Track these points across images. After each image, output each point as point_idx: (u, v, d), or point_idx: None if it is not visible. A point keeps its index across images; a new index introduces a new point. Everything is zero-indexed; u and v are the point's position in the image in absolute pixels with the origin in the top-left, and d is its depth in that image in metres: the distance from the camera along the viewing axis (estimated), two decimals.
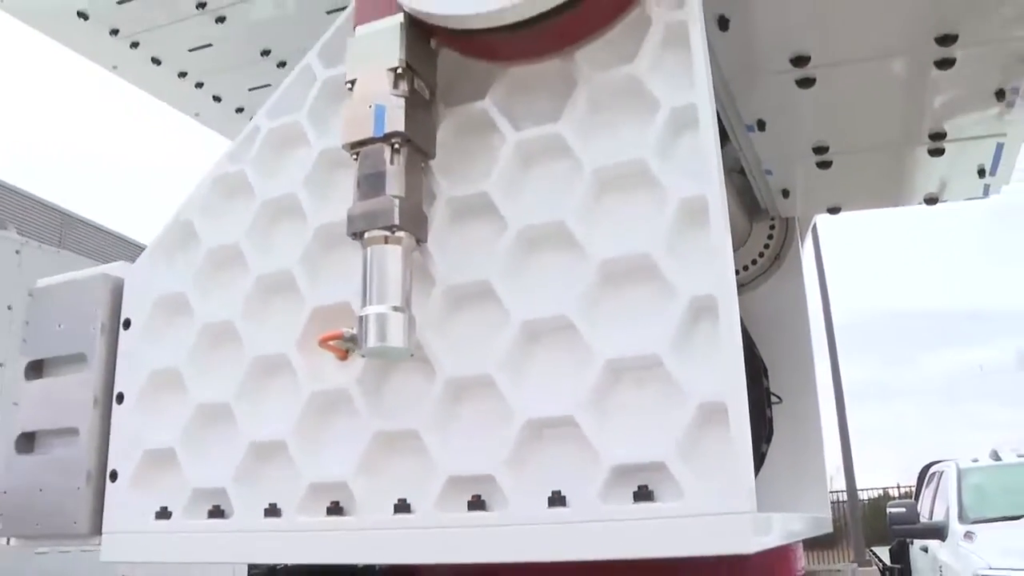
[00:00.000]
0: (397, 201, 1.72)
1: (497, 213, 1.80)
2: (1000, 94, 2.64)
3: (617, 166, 1.72)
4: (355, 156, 1.81)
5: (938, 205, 3.53)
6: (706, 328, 1.57)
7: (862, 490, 27.90)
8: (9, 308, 3.68)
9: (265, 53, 3.77)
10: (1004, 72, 2.52)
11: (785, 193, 3.41)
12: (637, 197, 1.68)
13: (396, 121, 1.76)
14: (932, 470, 9.28)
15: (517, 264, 1.76)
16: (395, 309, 1.68)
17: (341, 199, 1.96)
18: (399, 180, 1.75)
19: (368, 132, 1.77)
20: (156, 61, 3.83)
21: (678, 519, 1.50)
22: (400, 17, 1.84)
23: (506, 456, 1.66)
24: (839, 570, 2.98)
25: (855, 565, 3.55)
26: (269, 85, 4.01)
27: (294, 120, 2.14)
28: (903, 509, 7.84)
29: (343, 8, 3.35)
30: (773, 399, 3.38)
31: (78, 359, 2.25)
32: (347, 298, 1.90)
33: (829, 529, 3.22)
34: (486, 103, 1.88)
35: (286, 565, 2.41)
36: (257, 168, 2.15)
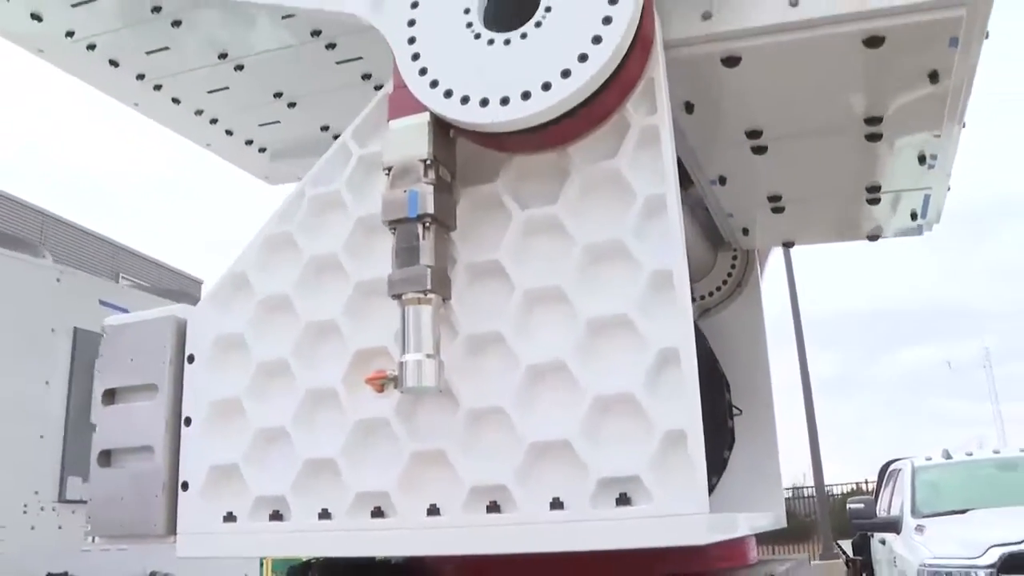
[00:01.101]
0: (428, 270, 2.18)
1: (507, 277, 2.26)
2: (922, 159, 3.14)
3: (602, 242, 2.18)
4: (393, 230, 2.26)
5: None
6: (670, 373, 2.04)
7: (835, 485, 28.72)
8: (52, 331, 4.08)
9: (278, 95, 4.20)
10: (923, 143, 3.02)
11: (745, 231, 3.89)
12: (618, 268, 2.15)
13: (427, 204, 2.21)
14: (891, 468, 9.89)
15: (523, 318, 2.23)
16: (428, 356, 2.14)
17: (376, 259, 2.41)
18: (430, 252, 2.20)
19: (404, 213, 2.22)
20: (176, 101, 4.24)
21: (650, 519, 1.98)
22: (427, 116, 2.28)
23: (516, 470, 2.13)
24: (789, 559, 3.47)
25: (805, 556, 3.99)
26: (279, 122, 4.45)
27: (335, 189, 2.58)
28: (862, 505, 8.43)
29: (353, 59, 3.81)
30: (734, 411, 3.86)
31: (150, 388, 2.67)
32: (383, 343, 2.35)
33: (783, 524, 3.71)
34: (497, 186, 2.34)
35: (318, 560, 2.85)
36: (303, 230, 2.59)
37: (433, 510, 2.19)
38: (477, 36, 2.23)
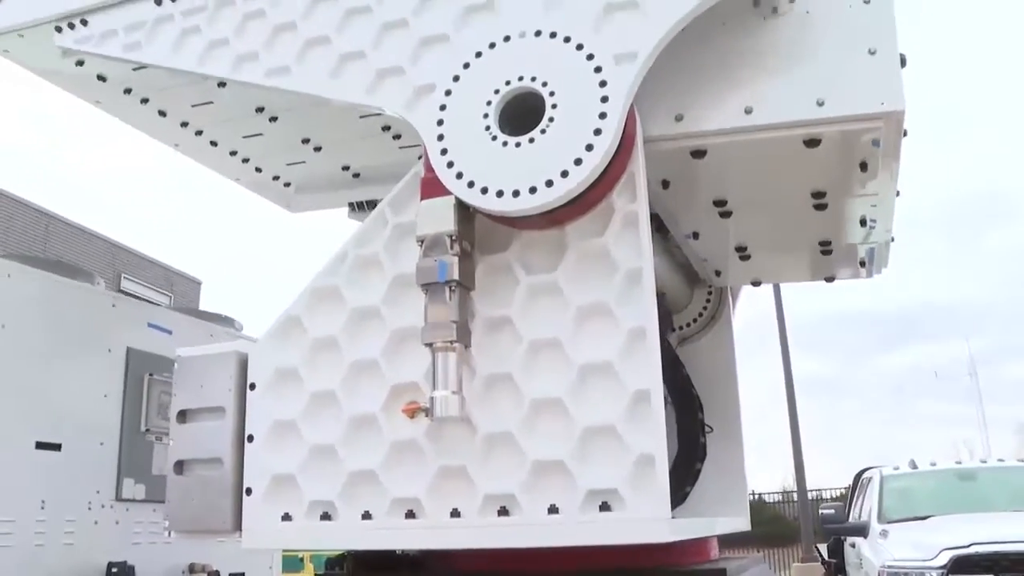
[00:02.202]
0: (454, 324, 2.76)
1: (515, 329, 2.84)
2: (863, 222, 3.73)
3: (591, 304, 2.76)
4: (425, 291, 2.83)
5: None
6: (643, 409, 2.62)
7: (824, 489, 29.34)
8: (109, 351, 4.64)
9: (305, 141, 4.75)
10: (862, 210, 3.61)
11: (717, 272, 4.47)
12: (603, 325, 2.73)
13: (452, 272, 2.78)
14: (864, 476, 10.52)
15: (528, 363, 2.81)
16: (453, 392, 2.72)
17: (408, 310, 2.98)
18: (455, 309, 2.77)
19: (435, 278, 2.79)
20: (214, 143, 4.79)
21: (624, 522, 2.56)
22: (453, 199, 2.85)
23: (522, 483, 2.71)
24: (745, 557, 4.04)
25: (760, 555, 4.47)
26: (304, 162, 5.01)
27: (374, 251, 3.15)
28: (832, 511, 9.07)
29: (374, 114, 4.37)
30: (706, 428, 4.43)
31: (218, 410, 3.24)
32: (415, 379, 2.93)
33: (747, 528, 4.30)
34: (508, 255, 2.92)
35: (352, 552, 3.43)
36: (348, 284, 3.16)
37: (455, 513, 2.77)
38: (494, 138, 2.80)
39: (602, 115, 2.69)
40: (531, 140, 2.75)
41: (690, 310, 4.71)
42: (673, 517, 3.87)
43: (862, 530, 8.72)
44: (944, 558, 6.83)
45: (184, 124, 4.64)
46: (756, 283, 4.70)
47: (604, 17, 2.82)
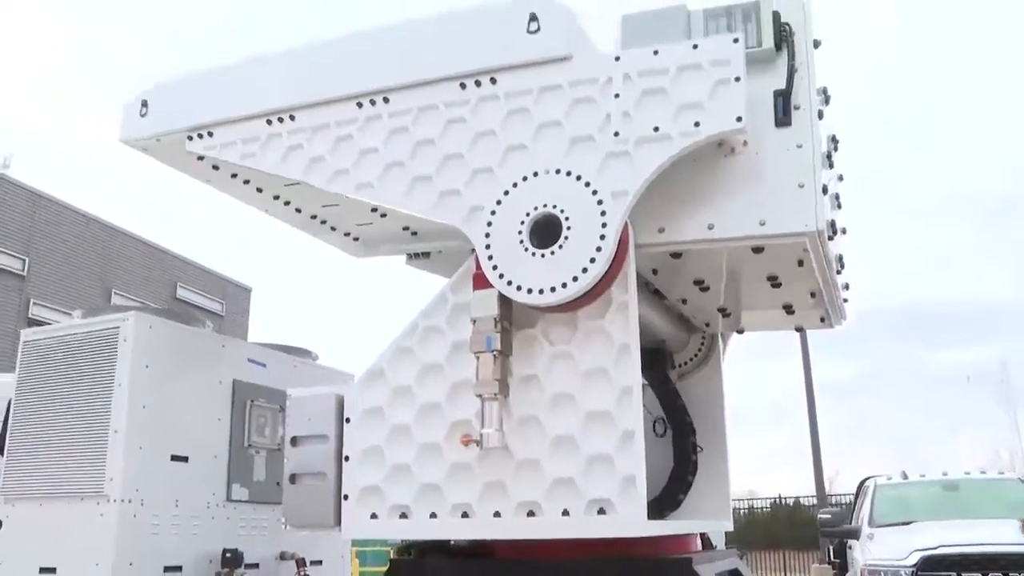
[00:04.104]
0: (497, 381, 3.90)
1: (540, 384, 3.98)
2: (812, 294, 4.81)
3: (594, 368, 3.88)
4: (477, 357, 3.97)
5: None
6: (628, 443, 3.73)
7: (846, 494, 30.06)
8: (220, 383, 5.85)
9: (374, 210, 5.88)
10: (810, 287, 4.68)
11: (707, 324, 5.57)
12: (602, 383, 3.85)
13: (496, 344, 3.91)
14: (865, 484, 11.51)
15: (549, 409, 3.94)
16: (496, 429, 3.86)
17: (463, 367, 4.12)
18: (498, 370, 3.91)
19: (484, 348, 3.93)
20: (298, 211, 5.93)
21: (615, 522, 3.68)
22: (497, 291, 3.98)
23: (544, 494, 3.84)
24: (723, 552, 5.11)
25: (734, 550, 5.34)
26: (371, 223, 6.15)
27: (438, 323, 4.30)
28: (829, 515, 10.08)
29: None
30: (698, 448, 5.52)
31: (322, 437, 4.40)
32: (468, 417, 4.07)
33: (728, 528, 5.38)
34: (535, 330, 4.05)
35: (417, 541, 4.59)
36: (419, 346, 4.31)
37: (496, 514, 3.91)
38: (526, 249, 3.92)
39: (602, 236, 3.80)
40: (552, 252, 3.86)
41: (687, 351, 5.79)
42: (668, 520, 5.03)
43: (854, 533, 9.71)
44: (914, 558, 7.81)
45: (276, 197, 5.77)
46: (740, 331, 5.78)
47: (605, 163, 3.93)
